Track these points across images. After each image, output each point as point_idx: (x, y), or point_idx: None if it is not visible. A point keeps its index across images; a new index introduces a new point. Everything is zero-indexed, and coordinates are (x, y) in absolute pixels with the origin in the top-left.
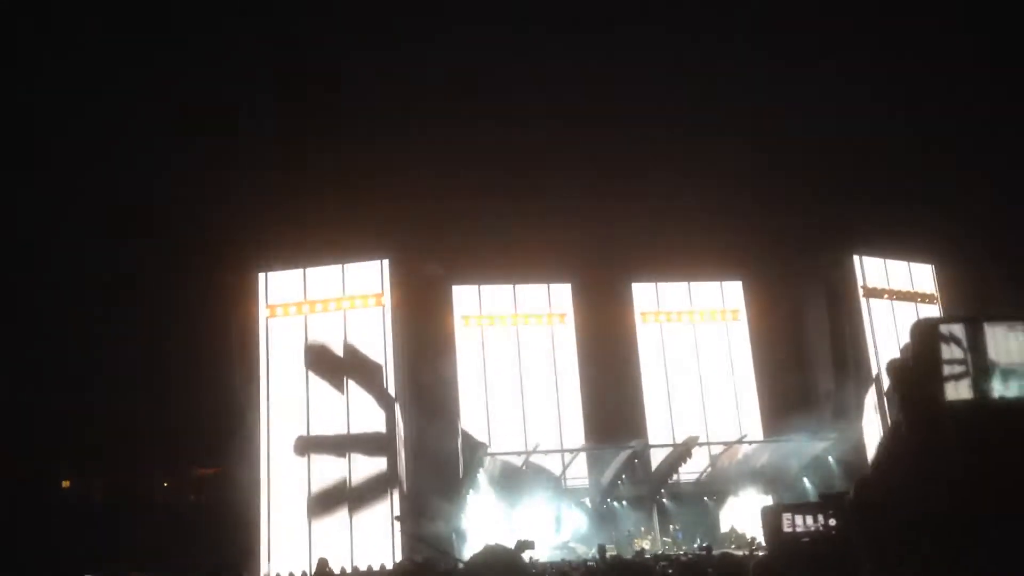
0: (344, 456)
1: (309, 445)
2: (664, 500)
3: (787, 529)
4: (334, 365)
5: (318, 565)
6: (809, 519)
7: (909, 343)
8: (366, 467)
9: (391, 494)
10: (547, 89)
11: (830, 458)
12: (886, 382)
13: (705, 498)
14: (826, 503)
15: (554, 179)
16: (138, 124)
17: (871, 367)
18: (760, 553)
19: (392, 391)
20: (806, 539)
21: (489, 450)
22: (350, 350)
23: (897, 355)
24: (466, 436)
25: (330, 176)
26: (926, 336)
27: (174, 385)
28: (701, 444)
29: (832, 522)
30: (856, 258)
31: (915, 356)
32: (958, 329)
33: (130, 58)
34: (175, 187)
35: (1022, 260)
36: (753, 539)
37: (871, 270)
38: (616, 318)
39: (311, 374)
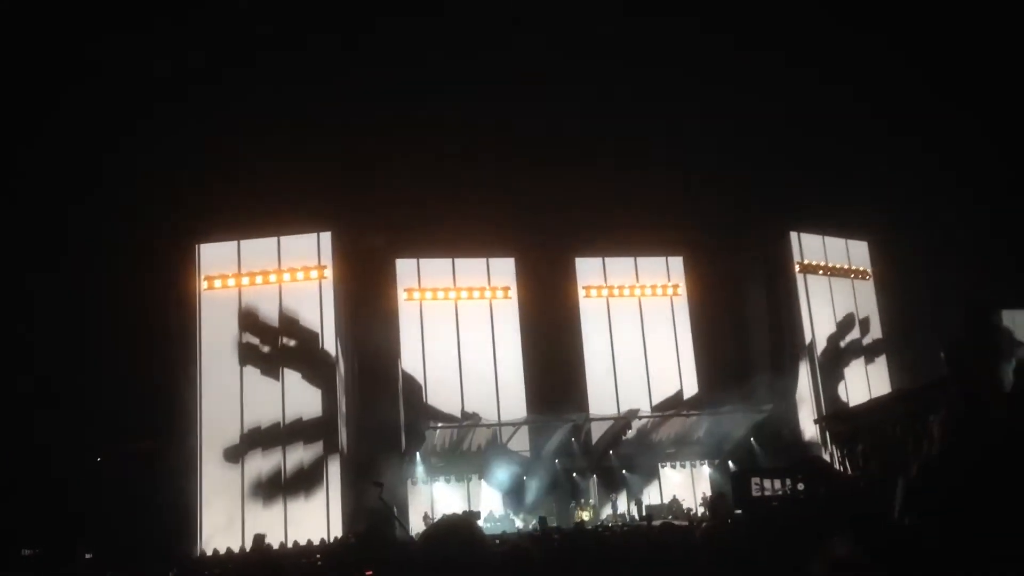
0: (282, 433)
1: (245, 438)
2: (604, 472)
3: (756, 493)
4: (271, 337)
5: (254, 541)
6: (777, 483)
7: (963, 323)
8: (306, 443)
9: (326, 468)
10: (491, 65)
11: (752, 440)
12: (819, 354)
13: (643, 470)
14: (794, 468)
15: (497, 153)
16: (71, 90)
17: (806, 341)
18: (704, 524)
19: (334, 364)
20: (775, 502)
21: (431, 423)
22: (288, 320)
23: (832, 329)
24: (408, 409)
25: (270, 147)
26: (983, 316)
27: (106, 357)
28: (641, 417)
29: (800, 487)
30: (793, 234)
31: (973, 335)
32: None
33: (61, 24)
34: (107, 154)
35: (954, 236)
36: (690, 509)
37: (808, 246)
38: (559, 292)
39: (247, 351)
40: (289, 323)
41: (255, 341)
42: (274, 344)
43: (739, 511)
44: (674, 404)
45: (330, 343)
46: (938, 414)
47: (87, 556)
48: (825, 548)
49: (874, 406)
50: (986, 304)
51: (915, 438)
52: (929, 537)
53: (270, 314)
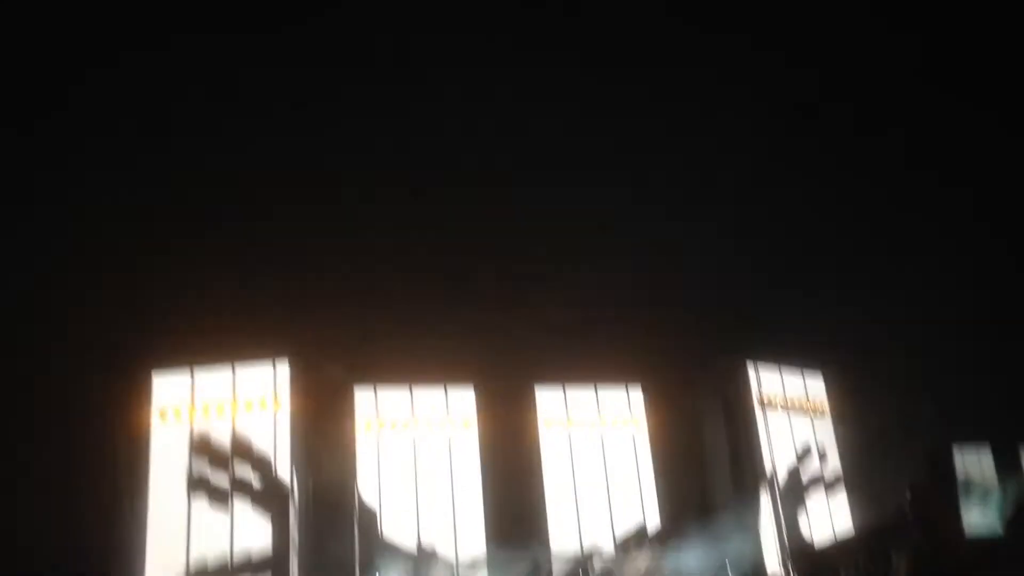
0: (231, 571)
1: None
2: None
3: None
4: (223, 466)
5: None
6: None
7: (926, 467)
8: None
9: None
10: (446, 189)
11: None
12: (781, 489)
13: None
14: None
15: (455, 280)
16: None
17: (768, 475)
18: None
19: (287, 496)
20: None
21: (386, 562)
22: (241, 450)
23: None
24: (363, 544)
25: (224, 273)
26: (943, 460)
27: (54, 495)
28: (604, 555)
29: None
30: (750, 365)
31: (934, 480)
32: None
33: None
34: (55, 285)
35: (908, 366)
36: None
37: (766, 378)
38: (520, 424)
39: (196, 482)
40: (242, 452)
41: (206, 471)
42: (226, 473)
43: None
44: (637, 540)
45: (284, 474)
46: (900, 552)
47: None
48: None
49: (838, 546)
50: (945, 444)
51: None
52: None
53: (223, 444)
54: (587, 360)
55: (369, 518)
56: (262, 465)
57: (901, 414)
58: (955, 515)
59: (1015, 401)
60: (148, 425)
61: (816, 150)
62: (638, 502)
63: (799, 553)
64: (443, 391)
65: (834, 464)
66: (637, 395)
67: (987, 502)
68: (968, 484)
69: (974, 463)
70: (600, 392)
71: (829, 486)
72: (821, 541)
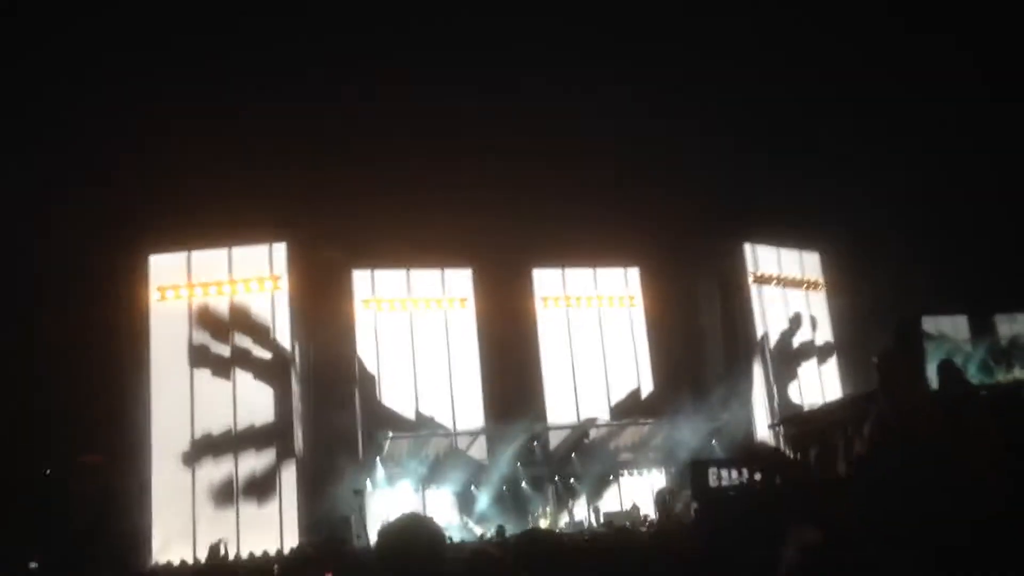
0: (234, 440)
1: (198, 445)
2: (562, 480)
3: (713, 483)
4: (224, 337)
5: (209, 552)
6: (734, 473)
7: (893, 334)
8: (258, 449)
9: (279, 476)
10: (448, 72)
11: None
12: (772, 356)
13: (602, 478)
14: (750, 459)
15: (457, 163)
16: (15, 96)
17: (762, 351)
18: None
19: (289, 365)
20: (732, 492)
21: (389, 432)
22: (242, 322)
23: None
24: (365, 417)
25: (225, 155)
26: (910, 326)
27: (55, 369)
28: (599, 426)
29: (757, 476)
30: (747, 246)
31: (900, 346)
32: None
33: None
34: (54, 164)
35: (902, 245)
36: (646, 516)
37: (762, 257)
38: (517, 303)
39: (198, 353)
40: (242, 325)
41: (207, 341)
42: (227, 343)
43: (696, 502)
44: (632, 412)
45: (285, 345)
46: (867, 419)
47: (32, 566)
48: (795, 535)
49: (823, 411)
50: (912, 317)
51: (850, 442)
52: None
53: (223, 317)
54: (585, 242)
55: (370, 392)
56: (263, 340)
57: (890, 288)
58: (918, 382)
59: (991, 274)
60: (147, 303)
61: (815, 31)
62: (634, 377)
63: (788, 419)
64: (440, 273)
65: (825, 335)
66: (634, 275)
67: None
68: (940, 349)
69: (949, 329)
70: (598, 273)
71: (820, 356)
72: (810, 407)
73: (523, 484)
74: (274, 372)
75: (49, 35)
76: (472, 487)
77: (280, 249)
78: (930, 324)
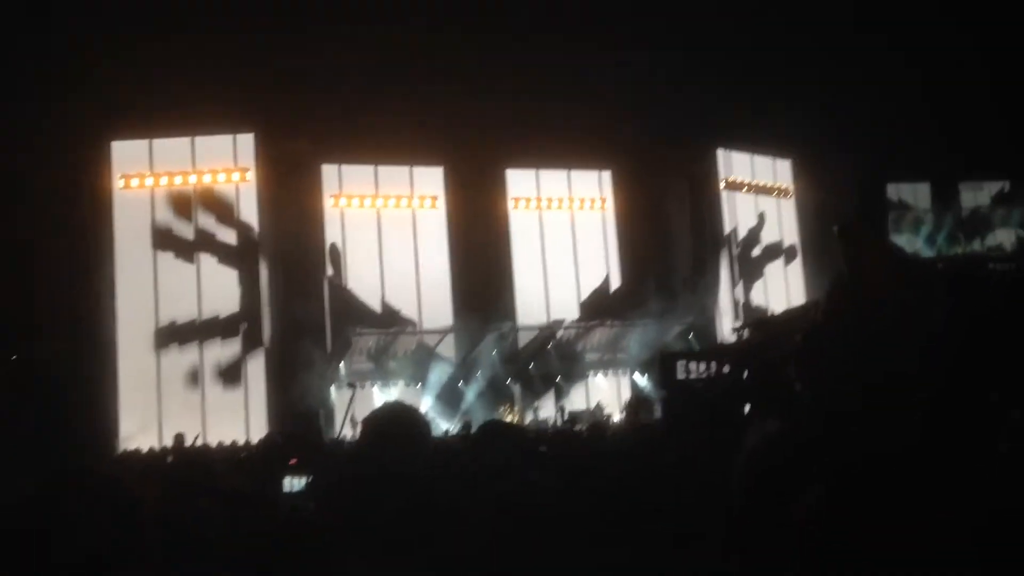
0: (199, 328)
1: (163, 333)
2: (529, 380)
3: (680, 375)
4: (187, 217)
5: (175, 441)
6: (702, 366)
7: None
8: (224, 337)
9: (244, 366)
10: None
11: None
12: (738, 256)
13: (570, 378)
14: (718, 351)
15: (430, 58)
16: None
17: (729, 253)
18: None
19: (256, 251)
20: (699, 384)
21: (357, 329)
22: (208, 207)
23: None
24: (334, 311)
25: (190, 39)
26: (872, 192)
27: (14, 255)
28: (567, 327)
29: (725, 368)
30: (721, 151)
31: (861, 211)
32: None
33: None
34: (9, 47)
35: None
36: (608, 416)
37: (736, 162)
38: (489, 203)
39: (162, 236)
40: (208, 209)
41: (171, 224)
42: (191, 226)
43: (664, 391)
44: (601, 314)
45: (252, 232)
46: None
47: None
48: (756, 425)
49: (787, 316)
50: (875, 184)
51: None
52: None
53: (187, 202)
54: (559, 144)
55: (338, 283)
56: (228, 223)
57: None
58: (880, 249)
59: (955, 140)
60: (111, 190)
61: None
62: (604, 279)
63: (753, 322)
64: (409, 170)
65: (792, 239)
66: (607, 178)
67: (918, 231)
68: (902, 215)
69: (909, 195)
70: (572, 175)
71: (786, 258)
72: (774, 314)
73: (489, 383)
74: (240, 258)
75: None
76: (441, 384)
77: (246, 140)
78: (892, 192)
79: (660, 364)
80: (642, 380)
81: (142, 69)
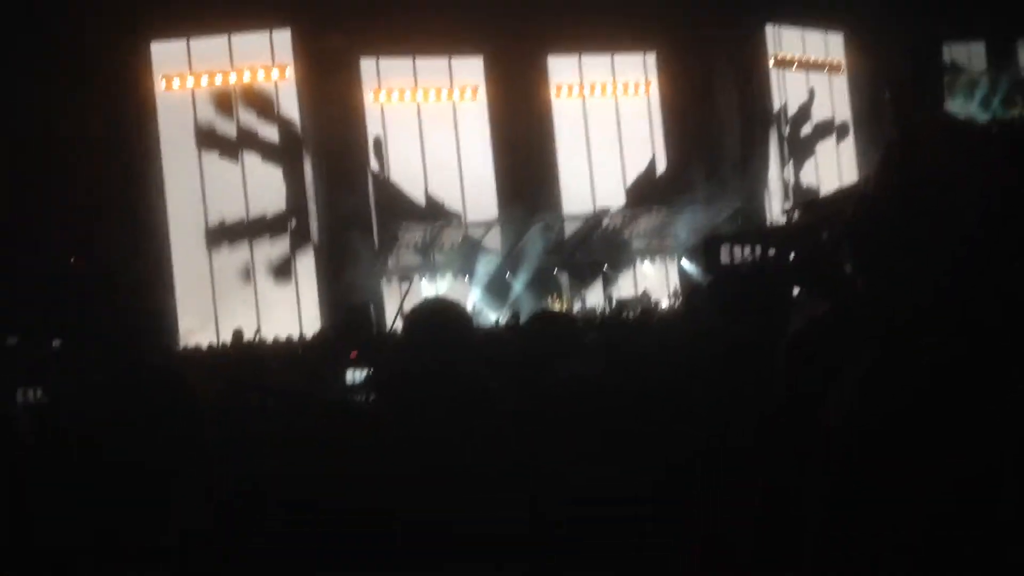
0: (248, 227)
1: (212, 233)
2: (577, 268)
3: (724, 260)
4: (230, 117)
5: (234, 337)
6: (748, 249)
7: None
8: (273, 235)
9: (294, 262)
10: None
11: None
12: (788, 136)
13: (617, 265)
14: (765, 234)
15: None
16: None
17: (779, 132)
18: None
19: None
20: (745, 268)
21: (403, 223)
22: (249, 104)
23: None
24: (380, 205)
25: None
26: (927, 52)
27: (70, 162)
28: (612, 215)
29: (771, 252)
30: (770, 27)
31: (916, 73)
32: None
33: None
34: None
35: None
36: (657, 303)
37: (786, 38)
38: (531, 92)
39: (205, 135)
40: (251, 106)
41: (214, 122)
42: (233, 124)
43: (708, 276)
44: (648, 200)
45: (294, 134)
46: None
47: (55, 343)
48: (801, 307)
49: (839, 195)
50: (929, 43)
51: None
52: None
53: (229, 104)
54: (602, 25)
55: (382, 178)
56: (271, 125)
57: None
58: (934, 110)
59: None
60: (153, 91)
61: None
62: (650, 165)
63: (804, 204)
64: (448, 62)
65: (844, 116)
66: (652, 61)
67: (972, 95)
68: (956, 78)
69: (963, 57)
70: (615, 59)
71: (839, 135)
72: (827, 190)
73: (536, 274)
74: (284, 155)
75: None
76: (487, 276)
77: (283, 37)
78: (945, 54)
79: (705, 249)
80: (689, 266)
81: None
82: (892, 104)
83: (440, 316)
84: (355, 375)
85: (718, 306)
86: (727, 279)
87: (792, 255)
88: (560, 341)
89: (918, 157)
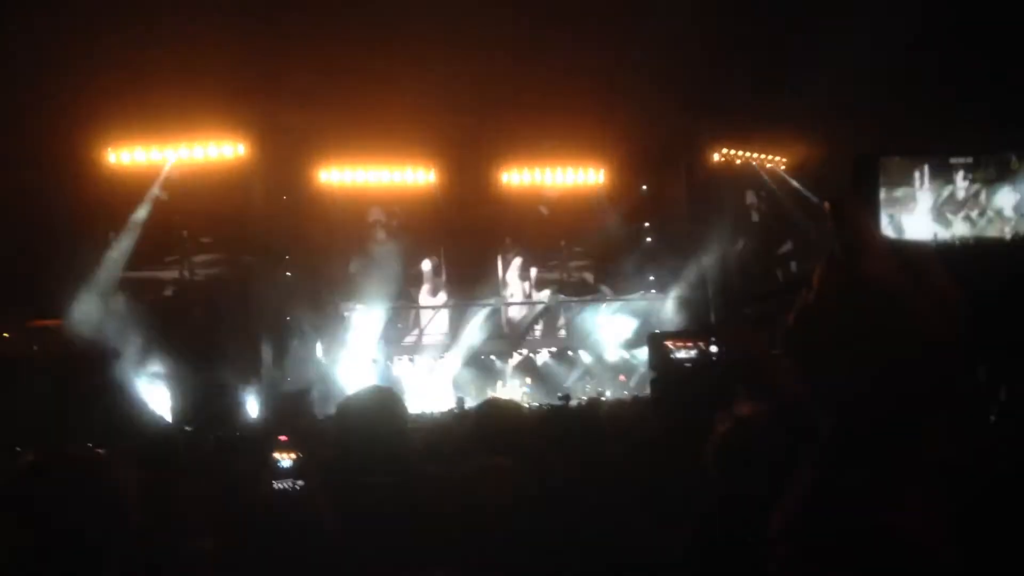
0: None
1: None
2: (521, 355)
3: (671, 356)
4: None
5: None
6: (691, 345)
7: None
8: None
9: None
10: None
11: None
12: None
13: (561, 352)
14: (706, 331)
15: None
16: None
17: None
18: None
19: None
20: (688, 364)
21: (354, 304)
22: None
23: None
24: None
25: (179, 49)
26: (865, 168)
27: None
28: (560, 302)
29: (712, 349)
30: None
31: (854, 187)
32: (899, 163)
33: None
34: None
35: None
36: (601, 392)
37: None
38: (480, 191)
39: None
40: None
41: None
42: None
43: (652, 372)
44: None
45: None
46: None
47: None
48: (729, 409)
49: (777, 290)
50: (868, 157)
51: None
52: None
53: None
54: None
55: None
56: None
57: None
58: (873, 225)
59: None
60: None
61: None
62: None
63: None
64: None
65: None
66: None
67: (911, 210)
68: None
69: (903, 172)
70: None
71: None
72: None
73: (483, 357)
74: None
75: None
76: (434, 358)
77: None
78: (884, 167)
79: (649, 344)
80: (633, 355)
81: (133, 82)
82: (832, 216)
83: (373, 411)
84: (283, 460)
85: (661, 402)
86: (670, 375)
87: (729, 352)
88: (503, 431)
89: (859, 270)
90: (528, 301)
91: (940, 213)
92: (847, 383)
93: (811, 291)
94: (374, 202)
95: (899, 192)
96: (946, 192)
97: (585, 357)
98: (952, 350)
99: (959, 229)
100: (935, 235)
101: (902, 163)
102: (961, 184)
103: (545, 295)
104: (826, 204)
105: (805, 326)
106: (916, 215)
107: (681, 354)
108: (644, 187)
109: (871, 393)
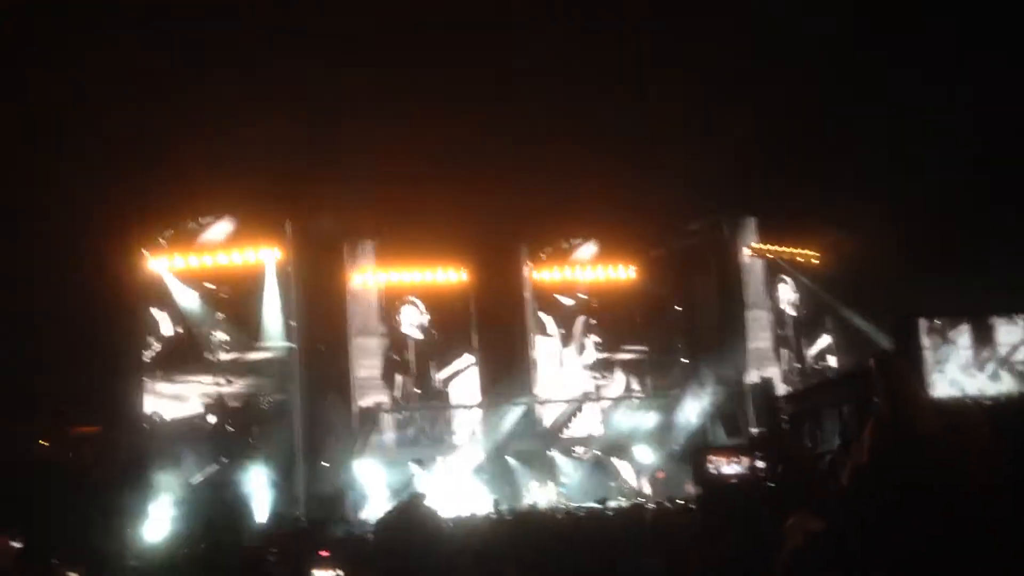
0: None
1: None
2: (556, 455)
3: (712, 471)
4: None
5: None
6: (735, 460)
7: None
8: None
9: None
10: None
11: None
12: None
13: (596, 452)
14: (752, 446)
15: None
16: None
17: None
18: (650, 505)
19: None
20: (734, 480)
21: (385, 407)
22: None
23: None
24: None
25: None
26: (906, 329)
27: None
28: (593, 400)
29: (759, 464)
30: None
31: (897, 348)
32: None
33: None
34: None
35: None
36: (639, 491)
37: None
38: (511, 290)
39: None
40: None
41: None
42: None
43: (698, 488)
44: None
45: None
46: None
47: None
48: (797, 522)
49: (817, 388)
50: (910, 318)
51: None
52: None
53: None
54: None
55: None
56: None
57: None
58: (918, 385)
59: (990, 280)
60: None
61: None
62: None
63: (785, 396)
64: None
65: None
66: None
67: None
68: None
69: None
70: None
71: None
72: (802, 387)
73: (516, 458)
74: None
75: None
76: (467, 461)
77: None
78: (926, 327)
79: (691, 459)
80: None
81: (169, 191)
82: (878, 374)
83: (408, 526)
84: None
85: (707, 517)
86: (715, 491)
87: (781, 468)
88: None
89: (906, 429)
90: (562, 400)
91: (985, 368)
92: (903, 541)
93: (862, 452)
94: (407, 302)
95: (942, 351)
96: (990, 350)
97: (621, 456)
98: (999, 497)
99: (1007, 384)
100: (979, 391)
101: (944, 322)
102: (1005, 343)
103: (578, 393)
104: (871, 361)
105: (859, 487)
106: (960, 371)
107: (726, 469)
108: (678, 307)
109: (926, 553)
